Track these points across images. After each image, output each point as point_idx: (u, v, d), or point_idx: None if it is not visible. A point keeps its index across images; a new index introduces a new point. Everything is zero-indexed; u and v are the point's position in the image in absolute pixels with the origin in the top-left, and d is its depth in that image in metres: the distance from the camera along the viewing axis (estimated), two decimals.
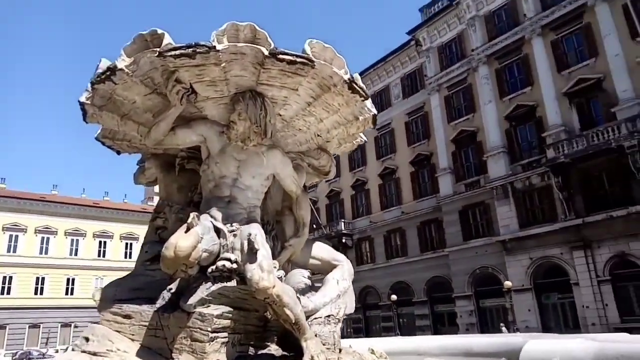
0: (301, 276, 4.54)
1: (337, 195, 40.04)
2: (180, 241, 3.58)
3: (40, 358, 34.18)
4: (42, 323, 43.80)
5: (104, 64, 4.24)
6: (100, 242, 49.55)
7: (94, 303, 4.40)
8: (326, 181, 41.45)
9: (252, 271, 3.68)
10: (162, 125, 4.26)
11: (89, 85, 4.48)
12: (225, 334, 3.80)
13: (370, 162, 37.02)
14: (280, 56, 3.97)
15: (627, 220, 20.88)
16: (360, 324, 35.24)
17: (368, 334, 33.56)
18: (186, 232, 3.69)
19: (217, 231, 4.03)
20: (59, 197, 50.68)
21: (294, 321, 3.83)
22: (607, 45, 23.43)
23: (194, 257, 3.64)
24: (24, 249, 44.89)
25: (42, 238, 46.20)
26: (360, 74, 38.74)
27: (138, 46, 4.10)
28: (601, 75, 23.37)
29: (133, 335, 3.95)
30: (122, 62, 4.05)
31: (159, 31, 4.02)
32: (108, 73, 4.11)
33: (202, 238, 3.77)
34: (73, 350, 3.97)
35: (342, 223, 37.29)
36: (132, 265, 4.77)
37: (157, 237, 4.60)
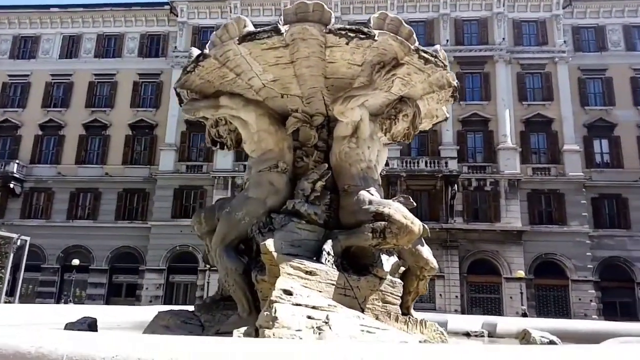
0: None
1: (13, 129, 32.55)
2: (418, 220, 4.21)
3: None
4: None
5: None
6: None
7: None
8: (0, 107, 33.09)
9: (427, 252, 4.66)
10: (361, 99, 4.55)
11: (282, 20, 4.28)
12: None
13: (75, 108, 32.19)
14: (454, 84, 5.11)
15: None
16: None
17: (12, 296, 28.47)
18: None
19: None
20: None
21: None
22: None
23: None
24: None
25: None
26: (103, 5, 33.33)
27: (377, 23, 4.36)
28: None
29: (320, 291, 4.09)
30: (378, 32, 4.21)
31: (411, 33, 4.43)
32: (362, 37, 4.16)
33: None
34: (277, 302, 3.67)
35: (16, 165, 30.62)
36: None
37: (304, 198, 4.56)
